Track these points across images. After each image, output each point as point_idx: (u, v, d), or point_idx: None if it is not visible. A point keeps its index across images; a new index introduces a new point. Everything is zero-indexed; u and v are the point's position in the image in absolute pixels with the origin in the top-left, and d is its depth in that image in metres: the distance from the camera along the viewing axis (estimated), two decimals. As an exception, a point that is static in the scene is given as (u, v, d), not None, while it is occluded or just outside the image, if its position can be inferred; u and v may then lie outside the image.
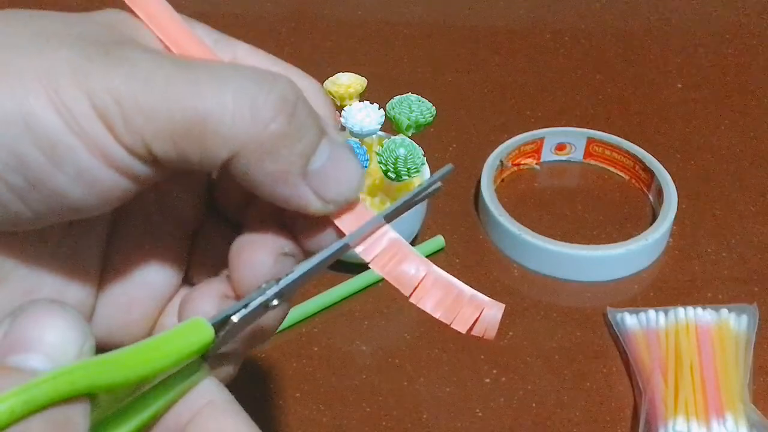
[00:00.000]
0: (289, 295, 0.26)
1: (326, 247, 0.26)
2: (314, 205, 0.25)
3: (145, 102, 0.22)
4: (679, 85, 0.75)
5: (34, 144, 0.22)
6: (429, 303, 0.27)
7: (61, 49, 0.22)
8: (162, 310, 0.29)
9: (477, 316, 0.26)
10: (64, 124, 0.22)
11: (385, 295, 0.55)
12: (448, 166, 0.29)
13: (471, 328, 0.26)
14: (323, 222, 0.26)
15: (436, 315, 0.26)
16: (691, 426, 0.47)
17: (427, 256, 0.59)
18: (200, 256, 0.30)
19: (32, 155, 0.22)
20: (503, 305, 0.27)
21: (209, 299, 0.26)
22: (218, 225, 0.29)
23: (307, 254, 0.27)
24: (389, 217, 0.28)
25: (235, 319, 0.24)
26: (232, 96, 0.23)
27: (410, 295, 0.27)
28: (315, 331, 0.54)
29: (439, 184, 0.29)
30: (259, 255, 0.25)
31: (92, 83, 0.22)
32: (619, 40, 0.80)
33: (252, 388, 0.51)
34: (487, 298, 0.27)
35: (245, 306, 0.25)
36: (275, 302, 0.25)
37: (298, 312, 0.54)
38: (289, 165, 0.24)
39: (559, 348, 0.54)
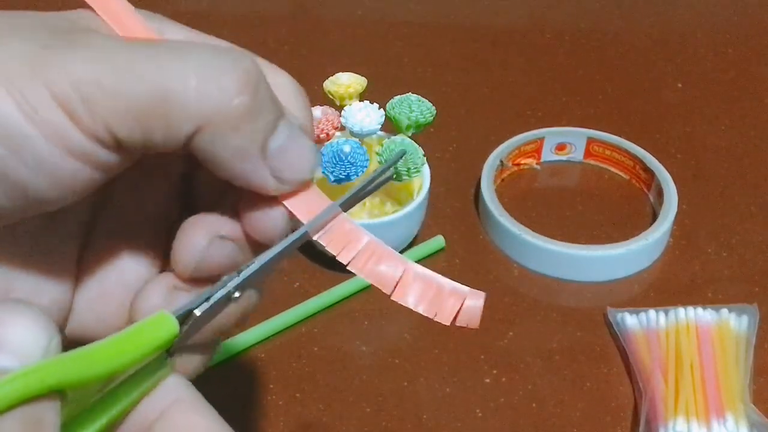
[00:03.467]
0: (252, 286, 0.26)
1: (278, 235, 0.26)
2: (270, 183, 0.25)
3: (108, 83, 0.22)
4: (679, 85, 0.75)
5: None
6: (411, 299, 0.27)
7: (16, 39, 0.22)
8: None
9: (459, 307, 0.27)
10: (23, 115, 0.22)
11: (384, 295, 0.55)
12: (400, 151, 0.29)
13: (454, 320, 0.27)
14: (275, 211, 0.26)
15: (419, 309, 0.27)
16: (692, 426, 0.47)
17: (427, 256, 0.59)
18: None
19: None
20: (484, 293, 0.27)
21: (158, 291, 0.26)
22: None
23: (260, 245, 0.27)
24: (345, 205, 0.28)
25: (197, 312, 0.25)
26: (195, 70, 0.23)
27: (391, 293, 0.27)
28: (315, 331, 0.54)
29: (391, 171, 0.29)
30: (193, 237, 0.26)
31: (49, 71, 0.22)
32: (619, 40, 0.80)
33: (252, 388, 0.51)
34: (467, 288, 0.27)
35: (207, 299, 0.25)
36: (237, 294, 0.26)
37: (298, 312, 0.54)
38: (250, 141, 0.24)
39: (559, 348, 0.54)
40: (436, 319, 0.26)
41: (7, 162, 0.22)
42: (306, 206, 0.27)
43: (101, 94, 0.22)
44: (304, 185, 0.26)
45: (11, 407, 0.18)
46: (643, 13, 0.84)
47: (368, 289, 0.56)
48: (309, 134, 0.27)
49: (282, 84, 0.27)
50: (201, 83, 0.23)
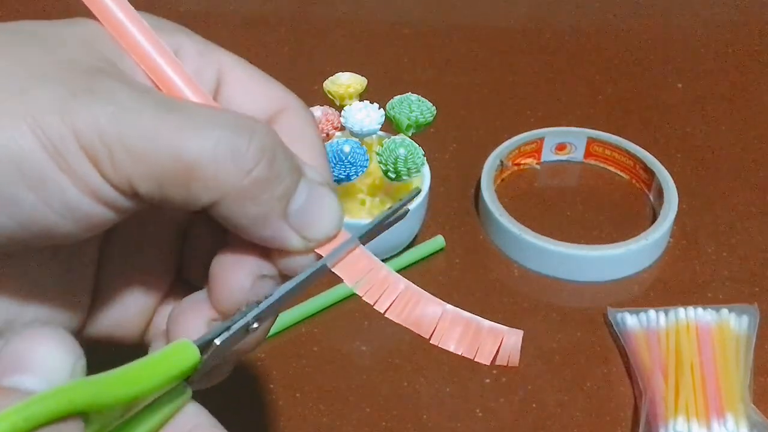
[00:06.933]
0: (269, 316, 0.27)
1: (305, 268, 0.27)
2: (296, 243, 0.26)
3: (132, 144, 0.23)
4: (679, 85, 0.75)
5: (24, 183, 0.22)
6: (450, 342, 0.27)
7: (45, 84, 0.23)
8: (155, 310, 0.30)
9: (498, 346, 0.27)
10: (53, 163, 0.22)
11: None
12: (416, 189, 0.31)
13: (494, 359, 0.27)
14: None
15: (459, 352, 0.27)
16: (692, 426, 0.47)
17: (426, 256, 0.59)
18: (191, 254, 0.30)
19: (23, 195, 0.22)
20: (521, 331, 0.27)
21: (197, 322, 0.26)
22: (207, 222, 0.30)
23: (283, 276, 0.27)
24: (364, 239, 0.28)
25: (218, 342, 0.25)
26: (215, 145, 0.23)
27: (430, 337, 0.27)
28: (315, 331, 0.54)
29: (405, 208, 0.30)
30: (237, 278, 0.26)
31: (78, 122, 0.22)
32: (619, 40, 0.80)
33: (252, 388, 0.51)
34: (504, 327, 0.27)
35: (227, 329, 0.25)
36: (255, 325, 0.26)
37: (298, 312, 0.54)
38: (269, 208, 0.25)
39: (559, 348, 0.54)
40: (475, 360, 0.27)
41: (36, 208, 0.23)
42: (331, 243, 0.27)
43: (125, 153, 0.23)
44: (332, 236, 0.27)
45: (37, 427, 0.18)
46: (643, 13, 0.84)
47: (368, 289, 0.56)
48: (330, 184, 0.27)
49: (296, 125, 0.28)
50: (219, 159, 0.23)
